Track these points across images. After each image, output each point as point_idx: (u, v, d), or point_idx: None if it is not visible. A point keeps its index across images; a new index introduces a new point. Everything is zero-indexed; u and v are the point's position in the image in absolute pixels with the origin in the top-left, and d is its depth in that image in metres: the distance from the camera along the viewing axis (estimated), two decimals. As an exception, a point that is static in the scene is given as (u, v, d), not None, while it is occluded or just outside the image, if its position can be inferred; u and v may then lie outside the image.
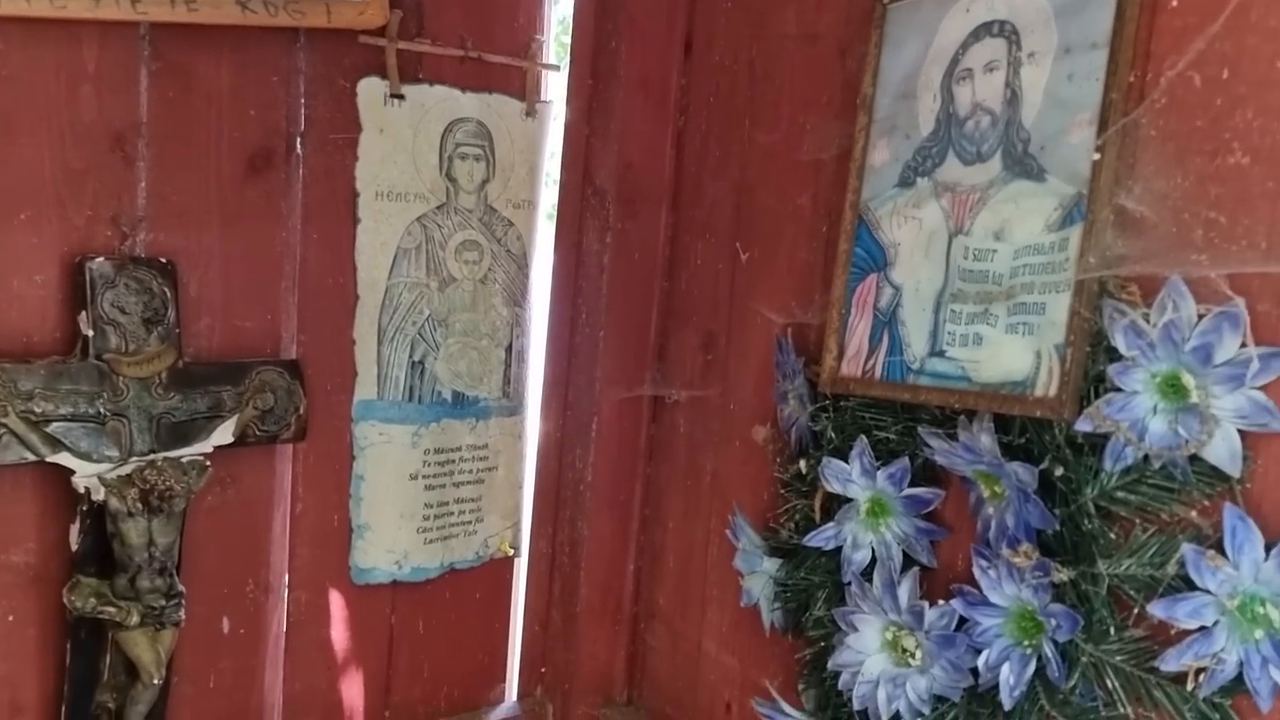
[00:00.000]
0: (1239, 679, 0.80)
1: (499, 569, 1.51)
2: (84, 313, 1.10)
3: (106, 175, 1.12)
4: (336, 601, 1.36)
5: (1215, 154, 0.81)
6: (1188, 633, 0.82)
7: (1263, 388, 0.78)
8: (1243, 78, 0.79)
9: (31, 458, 1.05)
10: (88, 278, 1.09)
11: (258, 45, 1.20)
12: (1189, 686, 0.83)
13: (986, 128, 0.96)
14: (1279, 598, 0.78)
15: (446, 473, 1.42)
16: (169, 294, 1.14)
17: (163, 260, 1.15)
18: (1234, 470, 0.80)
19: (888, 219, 1.05)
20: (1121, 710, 0.88)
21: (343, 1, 1.20)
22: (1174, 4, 0.84)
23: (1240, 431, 0.79)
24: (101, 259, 1.11)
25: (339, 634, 1.36)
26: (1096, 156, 0.84)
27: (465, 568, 1.47)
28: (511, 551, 1.51)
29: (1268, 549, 0.78)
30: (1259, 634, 0.79)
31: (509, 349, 1.45)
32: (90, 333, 1.10)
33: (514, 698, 1.56)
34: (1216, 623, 0.81)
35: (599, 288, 1.45)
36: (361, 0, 1.21)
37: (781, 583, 1.19)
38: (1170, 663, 0.83)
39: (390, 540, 1.38)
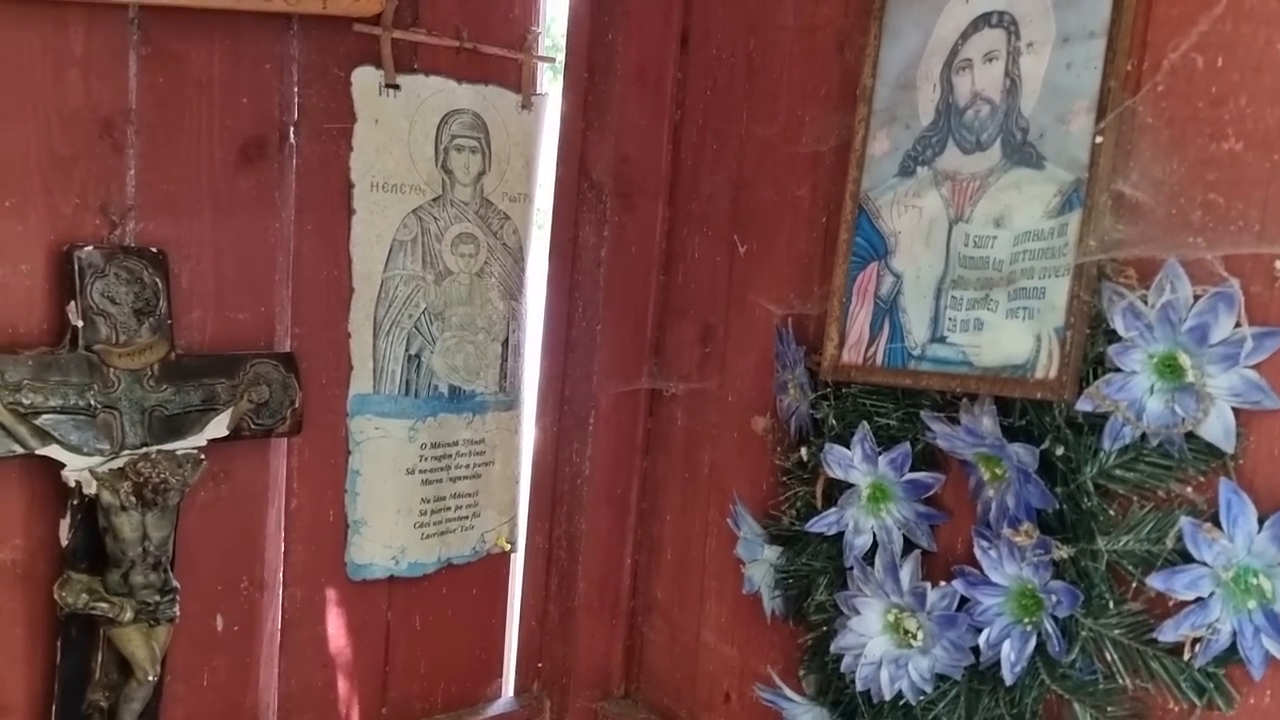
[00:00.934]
0: (1233, 649, 0.83)
1: (496, 564, 1.50)
2: (73, 303, 1.07)
3: (95, 162, 1.10)
4: (332, 598, 1.34)
5: (1210, 139, 0.84)
6: (1184, 605, 0.85)
7: (1256, 366, 0.81)
8: (1237, 64, 0.82)
9: (19, 450, 1.03)
10: (76, 267, 1.07)
11: (250, 31, 1.18)
12: (1185, 657, 0.86)
13: (986, 117, 0.99)
14: (1271, 569, 0.81)
15: (443, 467, 1.41)
16: (160, 284, 1.12)
17: (154, 250, 1.12)
18: (1228, 447, 0.82)
19: (888, 208, 1.07)
20: (1120, 682, 0.90)
21: (338, -11, 1.19)
22: (1170, -7, 0.87)
23: (1234, 409, 0.82)
24: (90, 248, 1.08)
25: (335, 631, 1.35)
26: (1099, 140, 0.86)
27: (462, 563, 1.45)
28: (508, 546, 1.50)
29: (1260, 522, 0.81)
30: (1252, 604, 0.82)
31: (505, 343, 1.45)
32: (80, 323, 1.07)
33: (511, 693, 1.55)
34: (1212, 594, 0.83)
35: (596, 281, 1.44)
36: (357, -12, 1.20)
37: (783, 570, 1.20)
38: (1168, 634, 0.86)
39: (387, 536, 1.37)
